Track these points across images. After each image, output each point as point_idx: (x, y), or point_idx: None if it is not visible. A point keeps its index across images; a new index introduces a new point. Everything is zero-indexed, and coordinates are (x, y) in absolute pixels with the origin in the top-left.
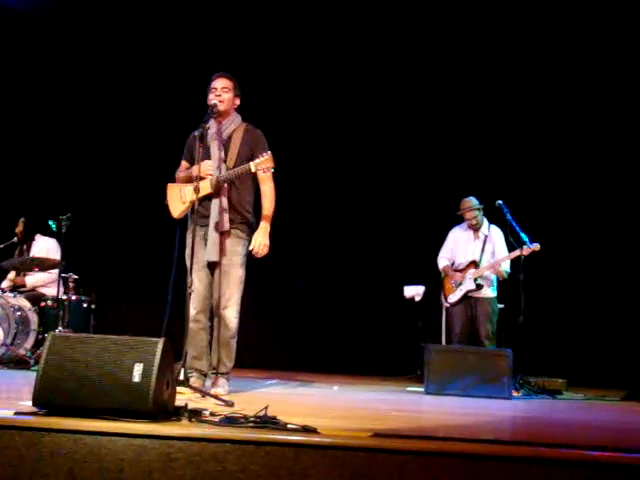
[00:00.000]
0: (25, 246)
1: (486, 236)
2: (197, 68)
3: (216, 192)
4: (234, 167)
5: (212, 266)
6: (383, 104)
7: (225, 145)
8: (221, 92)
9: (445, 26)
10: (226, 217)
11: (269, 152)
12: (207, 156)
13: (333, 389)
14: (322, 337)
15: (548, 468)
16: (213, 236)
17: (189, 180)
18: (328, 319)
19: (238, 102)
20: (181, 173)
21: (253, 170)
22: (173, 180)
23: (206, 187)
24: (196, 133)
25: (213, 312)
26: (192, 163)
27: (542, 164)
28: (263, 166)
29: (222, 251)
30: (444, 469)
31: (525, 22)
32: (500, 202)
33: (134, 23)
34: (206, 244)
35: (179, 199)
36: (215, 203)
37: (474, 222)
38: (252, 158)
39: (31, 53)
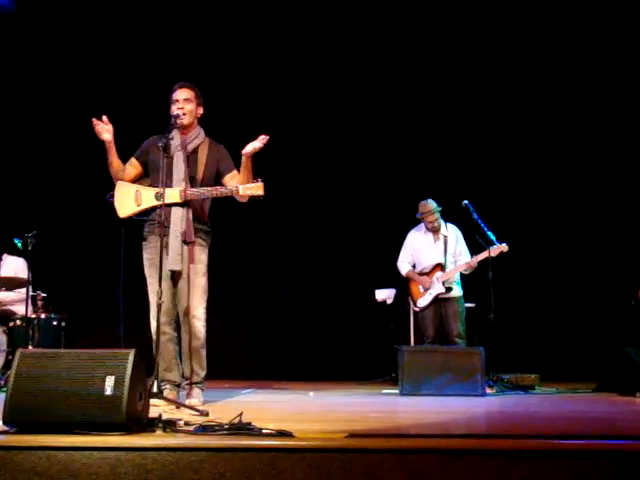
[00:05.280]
0: None
1: (445, 237)
2: (162, 79)
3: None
4: (202, 181)
5: (175, 276)
6: (344, 117)
7: (190, 158)
8: (183, 104)
9: (408, 34)
10: (192, 227)
11: (261, 180)
12: (169, 168)
13: (309, 395)
14: (297, 345)
15: (523, 459)
16: (176, 245)
17: (119, 173)
18: (302, 326)
19: (201, 111)
20: (127, 167)
21: (241, 193)
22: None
23: (174, 196)
24: (160, 144)
25: (180, 322)
26: (144, 165)
27: (505, 160)
28: (253, 192)
29: (186, 260)
30: (420, 465)
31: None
32: (466, 202)
33: (92, 38)
34: (167, 253)
35: (133, 200)
36: (179, 212)
37: (435, 225)
38: (218, 173)
39: None
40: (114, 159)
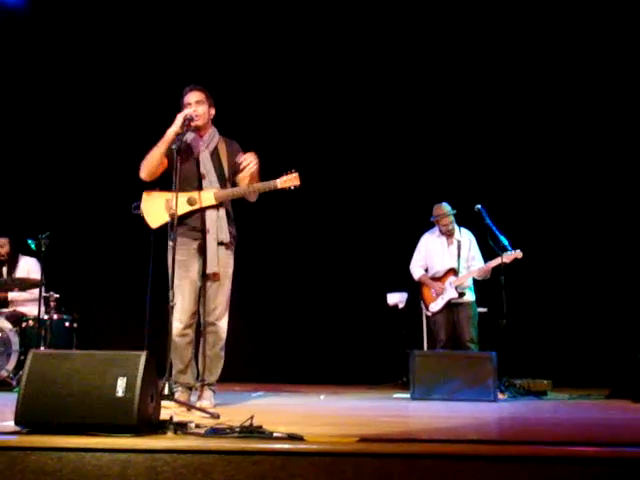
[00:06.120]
0: (7, 266)
1: (459, 241)
2: (175, 80)
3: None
4: (229, 179)
5: (205, 279)
6: (358, 120)
7: (214, 158)
8: (196, 106)
9: (415, 34)
10: (227, 229)
11: (295, 171)
12: (196, 168)
13: (320, 398)
14: (309, 348)
15: (535, 465)
16: (214, 248)
17: (159, 167)
18: (313, 329)
19: (214, 112)
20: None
21: (279, 187)
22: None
23: (209, 198)
24: (173, 146)
25: (201, 324)
26: (169, 161)
27: (519, 165)
28: (290, 184)
29: (219, 263)
30: (430, 471)
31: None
32: (479, 206)
33: (103, 39)
34: (201, 256)
35: (164, 209)
36: (214, 215)
37: (450, 228)
38: (235, 171)
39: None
40: (166, 151)
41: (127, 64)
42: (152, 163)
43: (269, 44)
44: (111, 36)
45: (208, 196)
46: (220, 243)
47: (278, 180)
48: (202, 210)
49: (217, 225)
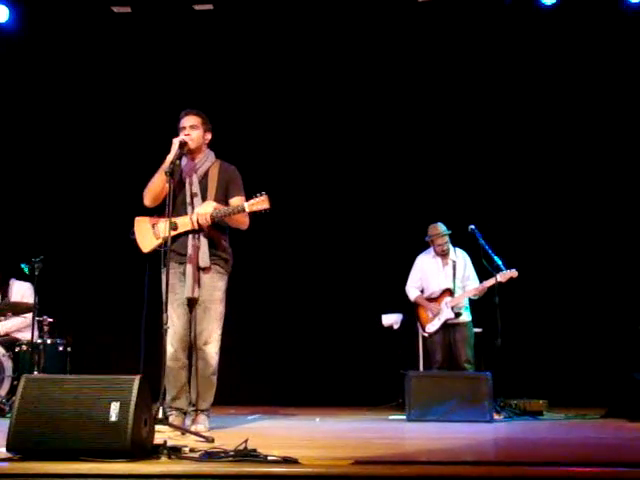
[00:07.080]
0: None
1: (454, 261)
2: (170, 101)
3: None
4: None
5: (191, 302)
6: (351, 140)
7: (202, 182)
8: (190, 131)
9: (407, 53)
10: (206, 253)
11: (265, 193)
12: (184, 193)
13: (315, 421)
14: (304, 370)
15: None
16: (191, 273)
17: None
18: (308, 351)
19: (209, 137)
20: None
21: (247, 211)
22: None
23: (186, 224)
24: (166, 170)
25: (192, 349)
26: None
27: (513, 186)
28: (258, 207)
29: (203, 287)
30: None
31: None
32: (472, 227)
33: (99, 54)
34: (184, 280)
35: (151, 234)
36: (195, 240)
37: (445, 248)
38: (227, 195)
39: None
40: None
41: (123, 89)
42: (155, 190)
43: (261, 60)
44: (100, 63)
45: (186, 221)
46: (201, 268)
47: (246, 203)
48: (186, 235)
49: (195, 251)
